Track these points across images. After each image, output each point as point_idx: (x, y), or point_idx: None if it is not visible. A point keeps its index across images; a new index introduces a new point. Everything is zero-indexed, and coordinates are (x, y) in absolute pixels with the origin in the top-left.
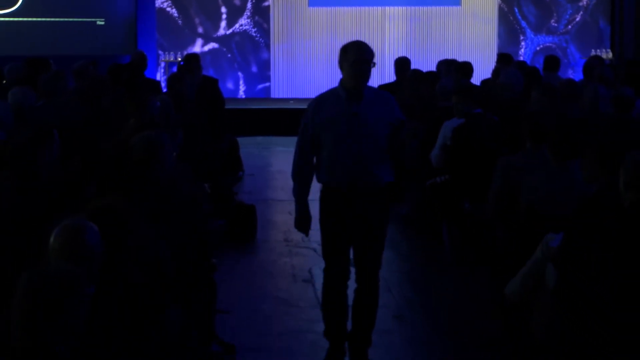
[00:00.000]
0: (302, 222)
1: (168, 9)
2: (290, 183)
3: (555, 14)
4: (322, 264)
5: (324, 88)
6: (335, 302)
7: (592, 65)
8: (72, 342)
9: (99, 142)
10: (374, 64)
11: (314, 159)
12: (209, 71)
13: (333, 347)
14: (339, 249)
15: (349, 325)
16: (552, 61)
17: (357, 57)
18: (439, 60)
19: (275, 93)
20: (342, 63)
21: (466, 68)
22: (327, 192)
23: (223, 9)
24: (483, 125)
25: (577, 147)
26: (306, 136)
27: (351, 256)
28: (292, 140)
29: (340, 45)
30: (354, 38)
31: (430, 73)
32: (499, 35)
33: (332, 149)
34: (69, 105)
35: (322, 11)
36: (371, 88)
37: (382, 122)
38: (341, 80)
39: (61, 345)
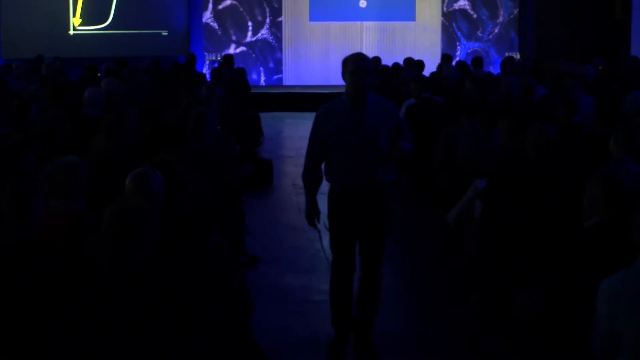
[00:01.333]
0: (311, 216)
1: (211, 23)
2: (297, 144)
3: (480, 27)
4: (320, 201)
5: (320, 78)
6: (341, 293)
7: (506, 63)
8: (143, 256)
9: (163, 116)
10: (370, 71)
11: (323, 163)
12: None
13: (338, 334)
14: (344, 243)
15: (354, 313)
16: (478, 60)
17: (355, 67)
18: (402, 59)
19: (286, 82)
20: (344, 74)
21: (420, 64)
22: (334, 192)
23: (249, 23)
24: (431, 105)
25: (497, 120)
26: (315, 142)
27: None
28: (299, 115)
29: (332, 49)
30: (342, 45)
31: (395, 65)
32: (442, 42)
33: (339, 153)
34: (141, 91)
35: (318, 25)
36: (374, 96)
37: (383, 128)
38: (345, 89)
39: (136, 259)
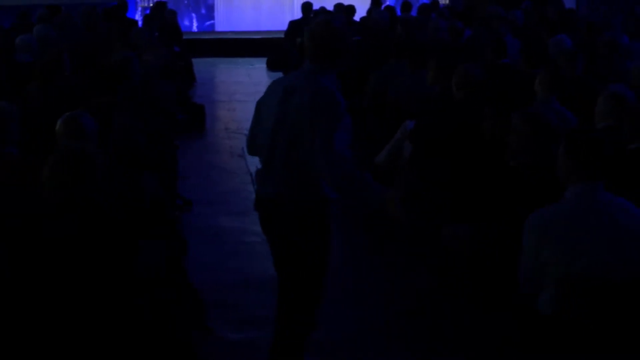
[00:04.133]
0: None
1: None
2: (230, 89)
3: None
4: None
5: (253, 24)
6: None
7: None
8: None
9: (96, 59)
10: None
11: None
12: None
13: None
14: None
15: None
16: (407, 5)
17: None
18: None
19: (218, 27)
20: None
21: (351, 9)
22: None
23: None
24: (362, 49)
25: (425, 62)
26: None
27: None
28: (231, 61)
29: None
30: None
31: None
32: None
33: None
34: (75, 35)
35: None
36: None
37: None
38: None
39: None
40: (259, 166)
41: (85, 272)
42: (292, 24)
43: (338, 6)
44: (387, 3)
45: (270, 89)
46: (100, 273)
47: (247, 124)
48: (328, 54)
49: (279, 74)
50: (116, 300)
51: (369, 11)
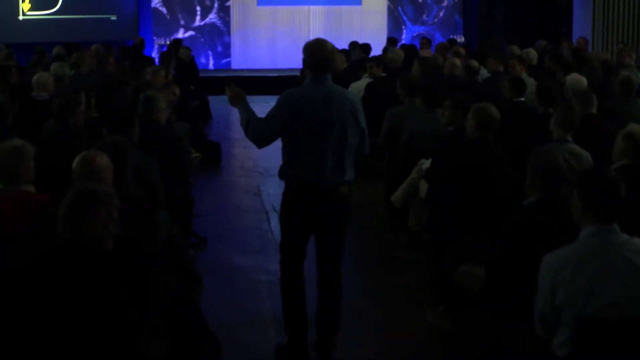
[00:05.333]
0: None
1: (160, 7)
2: (240, 127)
3: (426, 11)
4: (268, 182)
5: (268, 62)
6: (295, 303)
7: (451, 44)
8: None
9: (111, 98)
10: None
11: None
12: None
13: (292, 343)
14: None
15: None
16: (427, 42)
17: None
18: (348, 42)
19: (235, 65)
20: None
21: (366, 47)
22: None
23: (198, 7)
24: (388, 84)
25: (440, 100)
26: None
27: None
28: (247, 99)
29: (279, 33)
30: (289, 29)
31: (342, 50)
32: (388, 26)
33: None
34: (90, 74)
35: (266, 9)
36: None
37: None
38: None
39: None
40: (276, 189)
41: (83, 316)
42: None
43: (353, 44)
44: (404, 41)
45: (301, 100)
46: (99, 317)
47: (263, 162)
48: (330, 64)
49: None
50: (117, 344)
51: (385, 50)
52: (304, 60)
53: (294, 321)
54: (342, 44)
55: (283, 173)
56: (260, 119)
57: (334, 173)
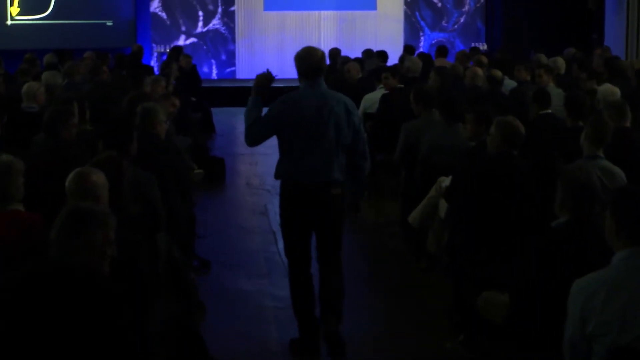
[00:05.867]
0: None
1: (159, 12)
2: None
3: (445, 17)
4: (275, 201)
5: (276, 71)
6: (303, 293)
7: (472, 53)
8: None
9: (106, 110)
10: None
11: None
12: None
13: (304, 334)
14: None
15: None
16: (442, 50)
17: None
18: (361, 50)
19: (239, 75)
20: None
21: (384, 54)
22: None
23: (200, 12)
24: (405, 96)
25: (461, 113)
26: None
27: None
28: None
29: (288, 40)
30: (298, 35)
31: (356, 59)
32: (404, 32)
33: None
34: (83, 83)
35: (273, 14)
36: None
37: None
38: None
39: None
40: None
41: (76, 347)
42: None
43: (367, 52)
44: (422, 49)
45: (295, 103)
46: (93, 348)
47: (270, 179)
48: (322, 69)
49: None
50: None
51: (401, 59)
52: (297, 69)
53: (304, 320)
54: (355, 51)
55: (277, 172)
56: (261, 119)
57: (325, 173)
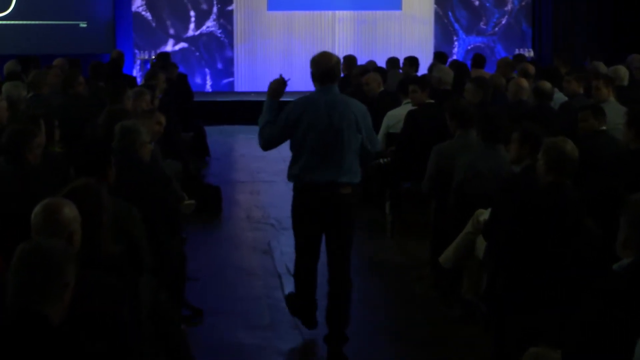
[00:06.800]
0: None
1: (143, 12)
2: (251, 165)
3: (484, 18)
4: (281, 238)
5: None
6: (307, 288)
7: (517, 61)
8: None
9: (80, 129)
10: None
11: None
12: (179, 68)
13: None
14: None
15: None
16: (480, 58)
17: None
18: (384, 58)
19: (239, 87)
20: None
21: (414, 61)
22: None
23: (192, 13)
24: (436, 112)
25: (503, 133)
26: None
27: None
28: (253, 129)
29: (296, 46)
30: (308, 39)
31: (377, 69)
32: (435, 36)
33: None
34: (52, 97)
35: (279, 15)
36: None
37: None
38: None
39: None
40: (291, 246)
41: None
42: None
43: (392, 61)
44: (456, 57)
45: (306, 106)
46: None
47: (274, 211)
48: (336, 75)
49: None
50: None
51: (431, 68)
52: (312, 74)
53: (304, 306)
54: (375, 58)
55: (290, 174)
56: (274, 122)
57: (335, 175)
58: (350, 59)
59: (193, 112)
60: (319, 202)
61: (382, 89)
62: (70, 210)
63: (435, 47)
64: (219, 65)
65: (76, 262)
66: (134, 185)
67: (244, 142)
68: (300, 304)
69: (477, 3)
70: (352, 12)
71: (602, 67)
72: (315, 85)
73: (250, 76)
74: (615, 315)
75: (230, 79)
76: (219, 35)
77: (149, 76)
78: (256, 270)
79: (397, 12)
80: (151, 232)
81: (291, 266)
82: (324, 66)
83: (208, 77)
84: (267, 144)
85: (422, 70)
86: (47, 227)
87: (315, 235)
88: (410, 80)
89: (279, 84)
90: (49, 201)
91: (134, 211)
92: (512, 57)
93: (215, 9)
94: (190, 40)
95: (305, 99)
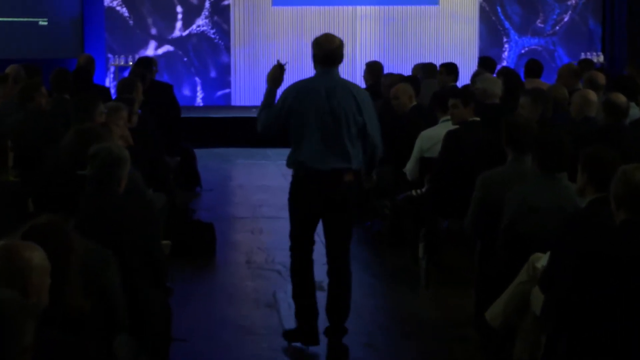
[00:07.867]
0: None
1: (118, 7)
2: (251, 198)
3: (541, 14)
4: (288, 287)
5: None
6: (304, 282)
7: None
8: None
9: (40, 152)
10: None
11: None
12: (163, 76)
13: (302, 326)
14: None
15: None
16: (535, 65)
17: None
18: (414, 63)
19: (237, 100)
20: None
21: (452, 69)
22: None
23: (179, 8)
24: (482, 132)
25: (566, 158)
26: None
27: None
28: (254, 153)
29: (307, 49)
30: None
31: (408, 78)
32: (480, 37)
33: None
34: (5, 112)
35: (287, 11)
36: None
37: None
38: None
39: None
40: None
41: None
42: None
43: (427, 68)
44: (506, 63)
45: (304, 90)
46: None
47: (280, 255)
48: (338, 58)
49: None
50: None
51: (474, 77)
52: (313, 55)
53: (303, 306)
54: (405, 65)
55: (289, 161)
56: (272, 105)
57: (335, 160)
58: (374, 67)
59: (180, 132)
60: (320, 190)
61: (414, 103)
62: (32, 254)
63: (481, 50)
64: (213, 74)
65: (36, 320)
66: (110, 223)
67: (242, 168)
68: (300, 304)
69: None
70: (377, 7)
71: None
72: (315, 67)
73: (251, 87)
74: None
75: (226, 91)
76: (213, 36)
77: (126, 87)
78: (258, 329)
79: (433, 8)
80: (130, 282)
81: None
82: (326, 47)
83: (199, 89)
84: (264, 128)
85: (464, 80)
86: (3, 275)
87: (311, 222)
88: (449, 92)
89: (276, 70)
90: (5, 243)
91: (109, 257)
92: (577, 64)
93: (207, 4)
94: (177, 42)
95: (304, 82)
